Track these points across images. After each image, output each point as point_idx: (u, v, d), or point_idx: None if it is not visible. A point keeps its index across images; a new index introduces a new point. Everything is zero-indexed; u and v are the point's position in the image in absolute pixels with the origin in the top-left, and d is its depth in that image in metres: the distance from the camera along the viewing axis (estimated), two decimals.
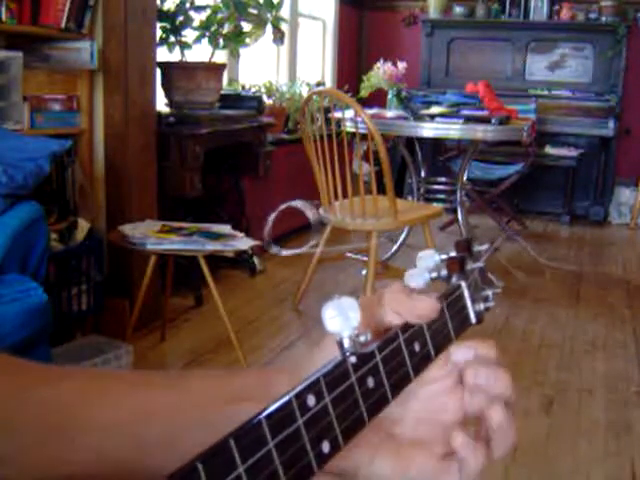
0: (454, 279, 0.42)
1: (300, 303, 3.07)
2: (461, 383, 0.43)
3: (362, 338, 0.34)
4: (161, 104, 2.99)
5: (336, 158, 2.85)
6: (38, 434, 0.43)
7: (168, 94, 3.03)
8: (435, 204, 3.96)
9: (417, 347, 0.38)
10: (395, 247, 3.90)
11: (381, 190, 2.93)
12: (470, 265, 0.43)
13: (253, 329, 2.83)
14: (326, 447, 0.32)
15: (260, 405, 0.39)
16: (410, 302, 0.40)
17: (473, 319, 0.43)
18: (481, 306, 0.43)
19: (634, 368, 2.59)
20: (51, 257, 2.07)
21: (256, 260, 3.49)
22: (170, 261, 2.54)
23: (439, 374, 0.43)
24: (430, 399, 0.43)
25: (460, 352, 0.43)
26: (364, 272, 3.05)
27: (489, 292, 0.44)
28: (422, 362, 0.39)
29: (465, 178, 4.09)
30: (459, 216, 4.03)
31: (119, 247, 2.36)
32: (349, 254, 3.31)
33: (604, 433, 2.10)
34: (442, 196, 4.34)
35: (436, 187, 4.40)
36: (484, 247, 0.44)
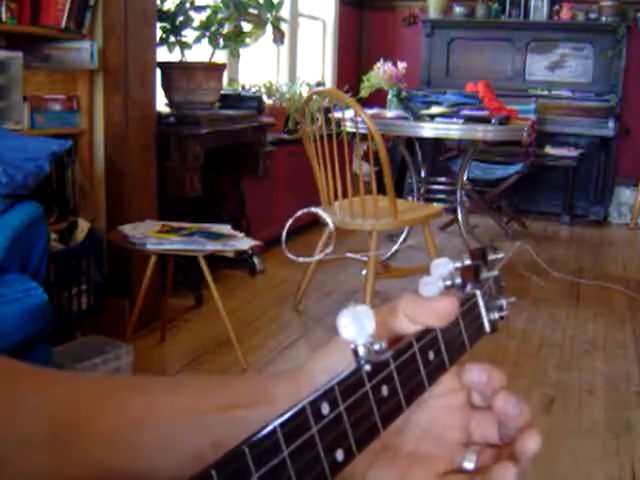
0: (469, 288, 0.42)
1: (300, 303, 3.06)
2: (468, 402, 0.42)
3: (377, 346, 0.34)
4: (161, 104, 2.99)
5: (336, 158, 2.84)
6: (32, 440, 0.43)
7: (168, 94, 3.03)
8: (435, 204, 3.96)
9: (431, 356, 0.38)
10: (395, 247, 3.90)
11: (381, 190, 2.93)
12: (485, 273, 0.42)
13: (253, 329, 2.83)
14: (340, 455, 0.32)
15: (256, 412, 0.38)
16: (427, 305, 0.39)
17: (487, 328, 0.43)
18: (495, 315, 0.43)
19: (634, 368, 2.59)
20: (51, 257, 2.07)
21: (256, 260, 3.49)
22: (170, 261, 2.54)
23: (448, 389, 0.42)
24: (436, 414, 0.42)
25: (475, 372, 0.40)
26: (364, 272, 3.05)
27: (503, 301, 0.44)
28: (436, 371, 0.39)
29: (465, 178, 4.10)
30: (459, 216, 4.04)
31: (119, 247, 2.36)
32: (349, 254, 3.30)
33: (604, 433, 2.10)
34: (442, 196, 4.34)
35: (436, 187, 4.40)
36: (499, 255, 0.44)
